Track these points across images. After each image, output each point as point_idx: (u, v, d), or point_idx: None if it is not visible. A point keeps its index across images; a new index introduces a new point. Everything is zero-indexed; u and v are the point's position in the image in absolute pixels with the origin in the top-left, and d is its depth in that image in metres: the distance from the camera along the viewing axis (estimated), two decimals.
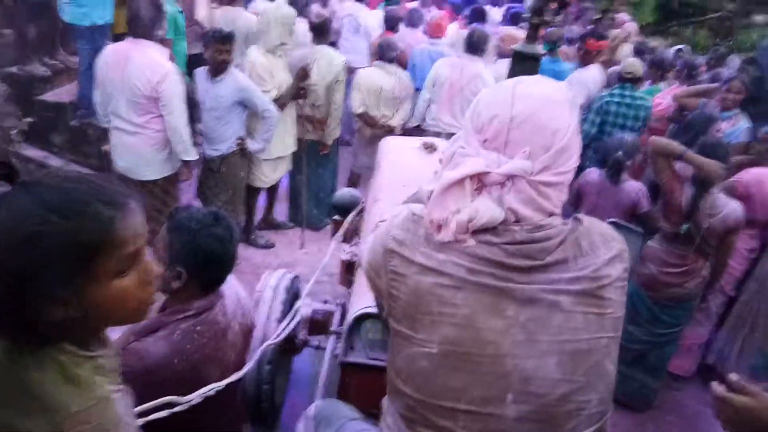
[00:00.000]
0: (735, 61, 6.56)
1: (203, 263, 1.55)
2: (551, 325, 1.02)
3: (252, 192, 4.35)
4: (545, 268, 1.02)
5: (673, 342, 3.38)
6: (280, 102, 4.01)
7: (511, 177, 1.00)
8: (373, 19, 6.15)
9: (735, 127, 4.25)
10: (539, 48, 2.51)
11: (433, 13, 6.48)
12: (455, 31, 6.26)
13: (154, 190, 3.52)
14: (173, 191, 3.67)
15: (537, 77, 1.09)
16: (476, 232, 1.01)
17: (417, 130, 4.82)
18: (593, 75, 5.06)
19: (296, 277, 2.71)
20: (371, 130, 4.72)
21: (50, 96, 5.14)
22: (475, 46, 4.62)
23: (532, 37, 2.43)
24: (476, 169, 1.00)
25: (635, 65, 4.57)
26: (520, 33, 5.37)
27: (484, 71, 4.61)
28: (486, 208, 1.00)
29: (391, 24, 5.71)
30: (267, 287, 2.54)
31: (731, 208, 2.99)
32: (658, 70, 5.65)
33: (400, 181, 2.19)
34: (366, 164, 4.70)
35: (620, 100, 4.43)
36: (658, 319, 3.26)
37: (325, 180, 4.80)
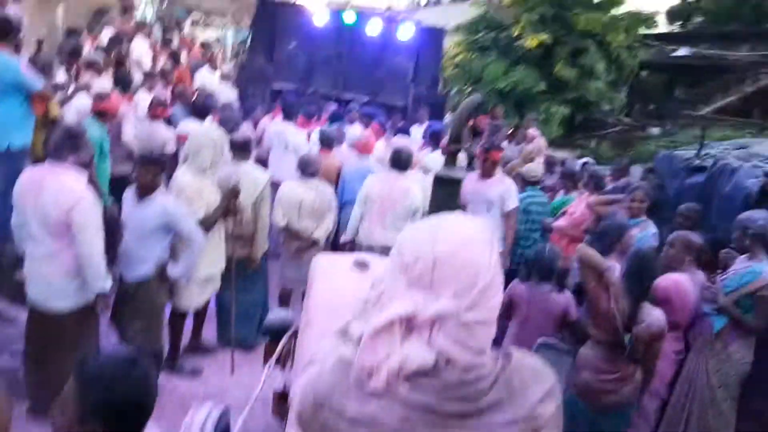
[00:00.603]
0: (637, 170, 7.17)
1: (122, 415, 1.42)
2: None
3: (177, 316, 4.16)
4: (480, 412, 1.00)
5: None
6: (210, 221, 3.97)
7: (440, 317, 1.00)
8: (300, 137, 6.37)
9: (643, 232, 4.56)
10: (459, 172, 2.65)
11: (359, 131, 6.82)
12: (382, 147, 6.56)
13: (66, 322, 3.27)
14: (88, 323, 3.41)
15: (457, 215, 1.12)
16: (408, 377, 0.99)
17: (351, 244, 4.95)
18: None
19: (225, 413, 2.53)
20: (296, 243, 4.76)
21: None
22: (401, 163, 4.85)
23: (451, 162, 2.57)
24: (403, 312, 0.99)
25: (537, 169, 5.42)
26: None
27: (412, 186, 4.81)
28: (416, 353, 0.98)
29: (326, 143, 5.93)
30: (193, 426, 2.35)
31: (654, 317, 3.11)
32: (569, 181, 6.10)
33: (332, 307, 2.15)
34: (295, 277, 4.70)
35: (536, 200, 5.27)
36: (599, 429, 3.24)
37: (254, 296, 4.69)
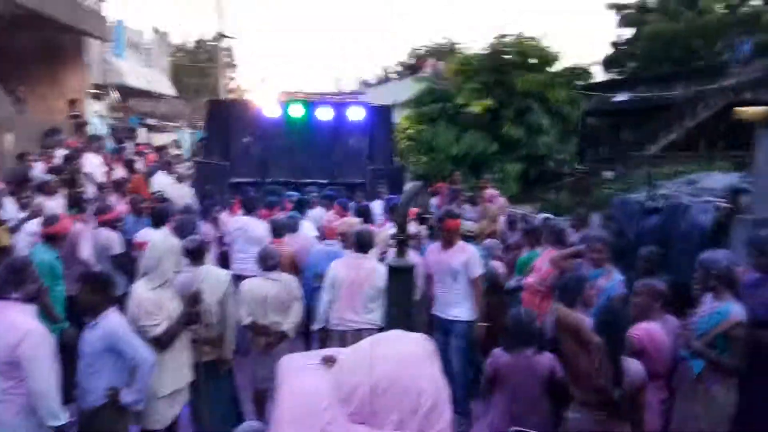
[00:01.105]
0: (595, 219, 7.31)
1: None
2: None
3: None
4: None
5: None
6: (173, 332, 3.84)
7: None
8: (261, 229, 6.35)
9: (609, 281, 4.58)
10: (410, 260, 2.65)
11: (319, 213, 6.84)
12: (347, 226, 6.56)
13: None
14: None
15: (395, 334, 1.09)
16: None
17: (322, 332, 4.86)
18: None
19: None
20: (264, 338, 4.64)
21: None
22: (364, 244, 4.86)
23: (401, 252, 2.57)
24: None
25: (467, 225, 5.78)
26: None
27: (378, 266, 4.80)
28: None
29: (277, 232, 5.89)
30: None
31: (634, 370, 3.08)
32: (531, 237, 6.16)
33: (297, 417, 2.06)
34: (266, 376, 4.49)
35: None
36: None
37: (226, 396, 4.50)
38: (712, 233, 5.04)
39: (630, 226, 6.35)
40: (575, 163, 17.05)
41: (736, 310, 3.44)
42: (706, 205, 5.54)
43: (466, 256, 4.95)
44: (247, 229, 6.35)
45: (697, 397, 3.43)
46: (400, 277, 2.45)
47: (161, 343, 3.80)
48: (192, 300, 3.98)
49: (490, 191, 9.39)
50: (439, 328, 5.01)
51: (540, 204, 12.21)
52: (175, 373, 3.92)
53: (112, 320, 3.41)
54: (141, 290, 3.91)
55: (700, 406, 3.39)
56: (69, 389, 4.04)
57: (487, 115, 13.39)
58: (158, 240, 4.14)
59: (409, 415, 0.93)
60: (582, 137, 21.20)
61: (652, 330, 3.57)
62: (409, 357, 1.01)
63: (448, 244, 4.99)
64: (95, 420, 3.41)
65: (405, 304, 2.46)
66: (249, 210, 6.62)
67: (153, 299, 3.86)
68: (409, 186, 2.45)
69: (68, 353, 4.05)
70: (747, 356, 3.38)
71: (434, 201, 10.12)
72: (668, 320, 3.70)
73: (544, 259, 5.57)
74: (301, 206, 7.35)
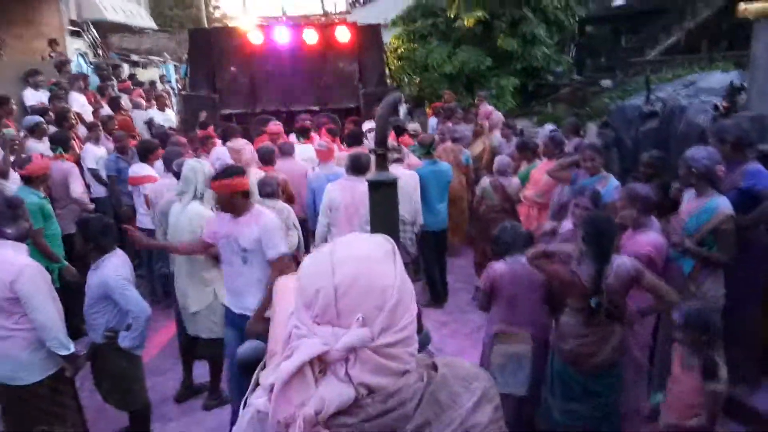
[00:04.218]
0: (591, 128, 7.17)
1: None
2: None
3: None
4: None
5: (617, 411, 3.33)
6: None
7: (352, 349, 0.92)
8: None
9: (605, 188, 4.54)
10: (391, 174, 2.59)
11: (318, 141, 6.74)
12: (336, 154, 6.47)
13: (40, 392, 3.18)
14: (65, 388, 3.32)
15: (352, 237, 1.05)
16: (329, 418, 0.91)
17: None
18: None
19: None
20: None
21: None
22: (360, 167, 4.79)
23: (381, 166, 2.51)
24: (313, 352, 0.92)
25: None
26: None
27: None
28: (333, 394, 0.91)
29: (265, 159, 5.81)
30: None
31: (622, 265, 3.06)
32: (527, 151, 6.07)
33: (282, 328, 2.09)
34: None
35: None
36: (593, 391, 3.21)
37: None
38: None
39: (628, 132, 6.25)
40: (573, 73, 16.61)
41: (723, 205, 3.43)
42: (704, 105, 5.41)
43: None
44: (224, 158, 6.22)
45: (688, 295, 3.47)
46: (381, 191, 2.40)
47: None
48: None
49: (486, 108, 9.18)
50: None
51: (537, 117, 11.99)
52: (196, 299, 4.09)
53: (108, 269, 3.37)
54: (195, 207, 4.02)
55: (692, 304, 3.43)
56: (79, 324, 4.13)
57: (479, 29, 12.89)
58: (196, 165, 4.11)
59: (373, 313, 0.90)
60: (580, 47, 20.57)
61: (657, 240, 3.55)
62: (369, 257, 0.97)
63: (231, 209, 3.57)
64: (98, 355, 3.50)
65: (389, 217, 2.43)
66: (226, 139, 6.47)
67: (206, 214, 3.99)
68: (386, 99, 2.33)
69: (72, 290, 4.10)
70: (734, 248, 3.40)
71: (432, 121, 9.95)
72: (653, 223, 3.67)
73: (540, 171, 5.52)
74: (303, 134, 7.23)
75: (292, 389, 0.92)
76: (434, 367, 1.02)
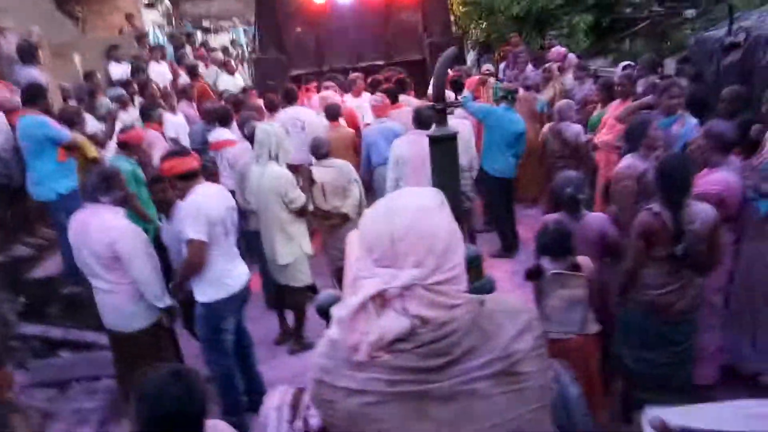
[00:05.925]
0: (670, 65, 6.79)
1: (170, 426, 1.57)
2: (475, 415, 1.07)
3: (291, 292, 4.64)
4: (457, 361, 1.09)
5: (691, 357, 3.32)
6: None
7: (407, 287, 1.07)
8: (312, 115, 6.49)
9: (684, 127, 4.38)
10: (450, 128, 2.66)
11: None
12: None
13: (144, 339, 3.59)
14: (165, 334, 3.74)
15: (406, 190, 1.19)
16: (388, 345, 1.07)
17: None
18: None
19: (301, 390, 2.68)
20: (328, 222, 4.93)
21: (39, 272, 5.32)
22: (424, 122, 4.88)
23: (441, 120, 2.58)
24: (373, 290, 1.08)
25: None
26: None
27: None
28: (392, 324, 1.07)
29: (332, 115, 6.10)
30: (270, 410, 2.51)
31: (705, 212, 3.02)
32: (605, 93, 5.88)
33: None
34: (337, 256, 4.82)
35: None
36: (670, 339, 3.20)
37: None
38: None
39: (708, 66, 5.89)
40: (653, 4, 15.49)
41: None
42: None
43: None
44: (298, 118, 6.39)
45: (764, 236, 3.36)
46: (442, 146, 2.49)
47: (304, 211, 4.52)
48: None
49: (558, 49, 8.85)
50: None
51: (613, 56, 11.39)
52: (285, 252, 4.52)
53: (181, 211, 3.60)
54: (276, 168, 4.40)
55: (767, 246, 3.33)
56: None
57: None
58: (269, 128, 4.48)
59: (426, 256, 1.04)
60: None
61: (728, 179, 3.44)
62: (422, 208, 1.11)
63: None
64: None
65: (451, 171, 2.53)
66: (290, 100, 6.60)
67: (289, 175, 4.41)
68: (444, 54, 2.37)
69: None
70: None
71: (502, 66, 9.71)
72: (732, 162, 3.54)
73: (609, 116, 5.35)
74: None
75: (357, 321, 1.09)
76: (482, 303, 1.16)
